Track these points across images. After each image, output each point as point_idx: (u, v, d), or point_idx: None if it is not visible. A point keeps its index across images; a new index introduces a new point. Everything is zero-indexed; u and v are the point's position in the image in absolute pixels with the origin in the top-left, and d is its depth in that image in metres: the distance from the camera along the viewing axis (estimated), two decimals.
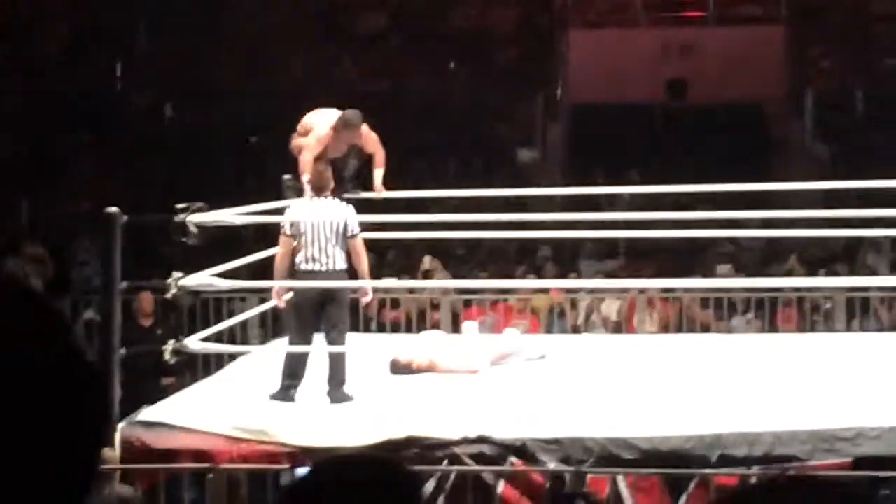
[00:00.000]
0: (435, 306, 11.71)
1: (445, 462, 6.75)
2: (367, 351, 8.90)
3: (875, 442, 6.74)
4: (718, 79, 17.42)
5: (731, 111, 17.37)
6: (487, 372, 8.61)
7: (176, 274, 7.46)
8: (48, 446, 1.17)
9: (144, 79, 17.89)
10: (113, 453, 6.71)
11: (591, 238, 12.45)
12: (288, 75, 17.99)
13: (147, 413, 7.24)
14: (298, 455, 6.62)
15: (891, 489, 6.53)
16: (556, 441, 6.77)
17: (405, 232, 9.99)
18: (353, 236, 7.92)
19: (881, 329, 11.27)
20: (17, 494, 1.15)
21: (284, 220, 7.99)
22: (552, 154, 17.84)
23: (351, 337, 8.34)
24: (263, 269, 8.71)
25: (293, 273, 7.90)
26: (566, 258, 13.81)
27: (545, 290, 11.96)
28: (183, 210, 7.48)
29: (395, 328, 11.15)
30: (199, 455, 6.85)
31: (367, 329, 10.98)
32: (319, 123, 8.95)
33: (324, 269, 7.80)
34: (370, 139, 9.15)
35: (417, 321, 11.23)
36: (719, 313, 11.66)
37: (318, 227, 7.83)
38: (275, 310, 9.16)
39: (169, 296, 7.64)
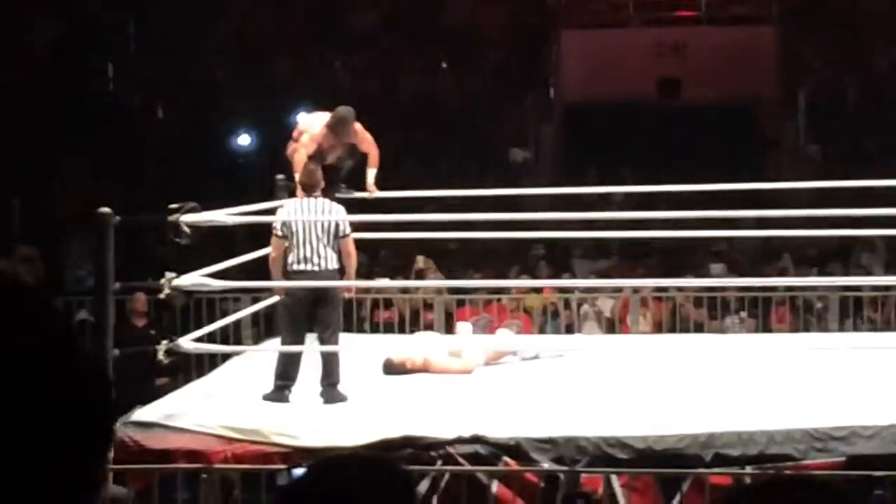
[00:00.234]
0: (428, 306, 11.69)
1: (440, 462, 6.74)
2: (360, 351, 8.90)
3: (869, 441, 6.74)
4: (711, 78, 17.41)
5: (723, 110, 17.35)
6: (481, 372, 8.61)
7: (169, 274, 7.45)
8: (56, 445, 1.16)
9: (136, 79, 17.86)
10: None
11: (584, 237, 12.43)
12: (279, 75, 17.97)
13: (140, 413, 7.23)
14: (292, 455, 6.61)
15: (884, 488, 6.53)
16: (549, 441, 6.77)
17: (398, 232, 9.98)
18: (345, 236, 7.92)
19: (874, 328, 11.28)
20: (24, 494, 1.14)
21: (275, 222, 7.98)
22: (545, 153, 17.83)
23: (344, 337, 8.34)
24: (256, 269, 8.70)
25: (285, 273, 7.89)
26: (559, 258, 13.81)
27: (538, 290, 11.97)
28: (175, 210, 7.46)
29: (389, 328, 11.14)
30: (192, 455, 6.83)
31: (360, 329, 10.97)
32: (313, 124, 8.99)
33: (316, 269, 7.79)
34: (365, 138, 9.18)
35: (411, 321, 11.21)
36: (713, 313, 11.66)
37: (310, 227, 7.82)
38: (267, 310, 9.14)
39: (162, 296, 7.64)
